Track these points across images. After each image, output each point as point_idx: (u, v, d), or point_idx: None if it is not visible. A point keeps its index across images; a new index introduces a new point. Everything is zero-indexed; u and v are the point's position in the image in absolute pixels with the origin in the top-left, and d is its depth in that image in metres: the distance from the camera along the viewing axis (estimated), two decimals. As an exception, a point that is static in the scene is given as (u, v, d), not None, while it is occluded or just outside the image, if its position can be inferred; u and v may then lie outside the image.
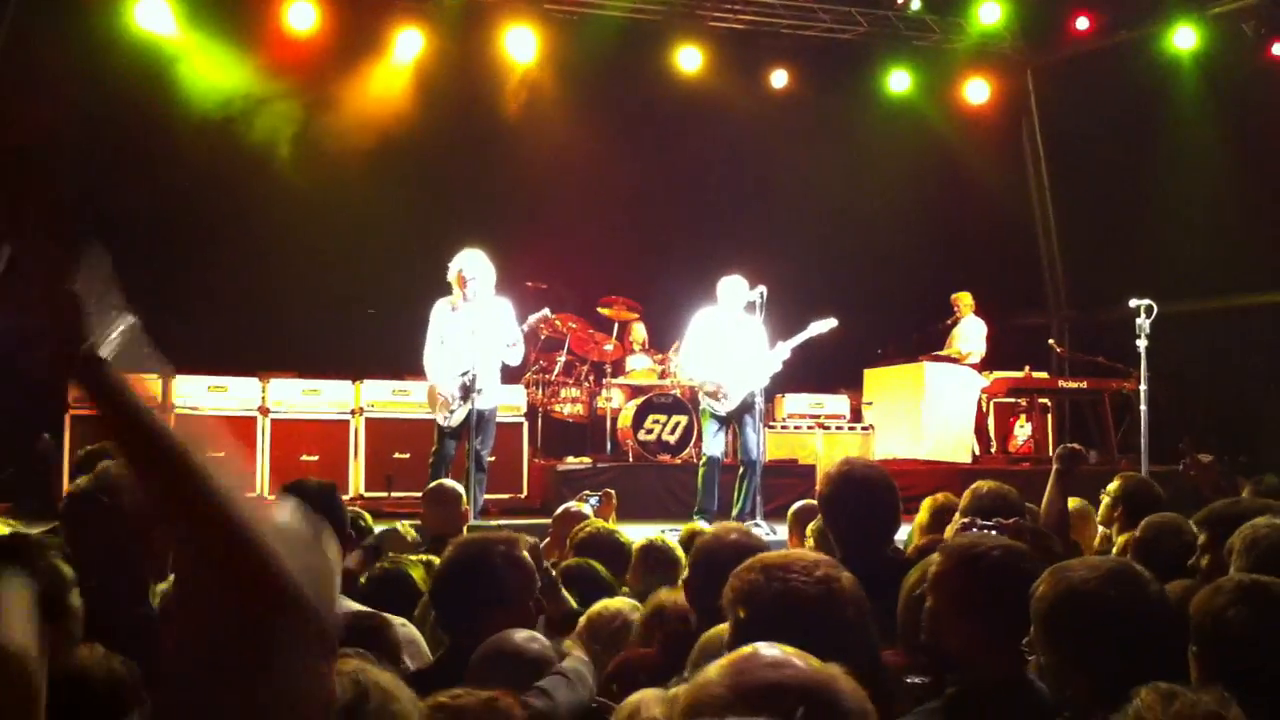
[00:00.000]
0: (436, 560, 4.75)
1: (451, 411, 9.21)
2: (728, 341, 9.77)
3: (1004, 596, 2.90)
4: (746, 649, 1.57)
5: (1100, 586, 2.71)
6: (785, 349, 9.78)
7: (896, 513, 4.32)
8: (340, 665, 2.25)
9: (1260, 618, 2.67)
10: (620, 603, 4.05)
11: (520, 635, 3.02)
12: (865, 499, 4.20)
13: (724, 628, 2.75)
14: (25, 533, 3.26)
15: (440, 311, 9.33)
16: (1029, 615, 2.80)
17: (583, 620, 3.92)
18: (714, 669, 1.54)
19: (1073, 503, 5.41)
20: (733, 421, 9.90)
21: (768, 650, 1.54)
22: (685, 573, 3.78)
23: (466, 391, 9.15)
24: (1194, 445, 5.29)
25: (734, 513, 9.65)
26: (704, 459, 9.93)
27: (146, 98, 12.45)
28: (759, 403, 9.85)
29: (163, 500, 1.70)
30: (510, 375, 12.02)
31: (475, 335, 9.09)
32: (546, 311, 9.43)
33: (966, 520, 4.20)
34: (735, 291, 9.78)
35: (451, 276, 9.23)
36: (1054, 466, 5.10)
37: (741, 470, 9.86)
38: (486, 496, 9.77)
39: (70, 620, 2.81)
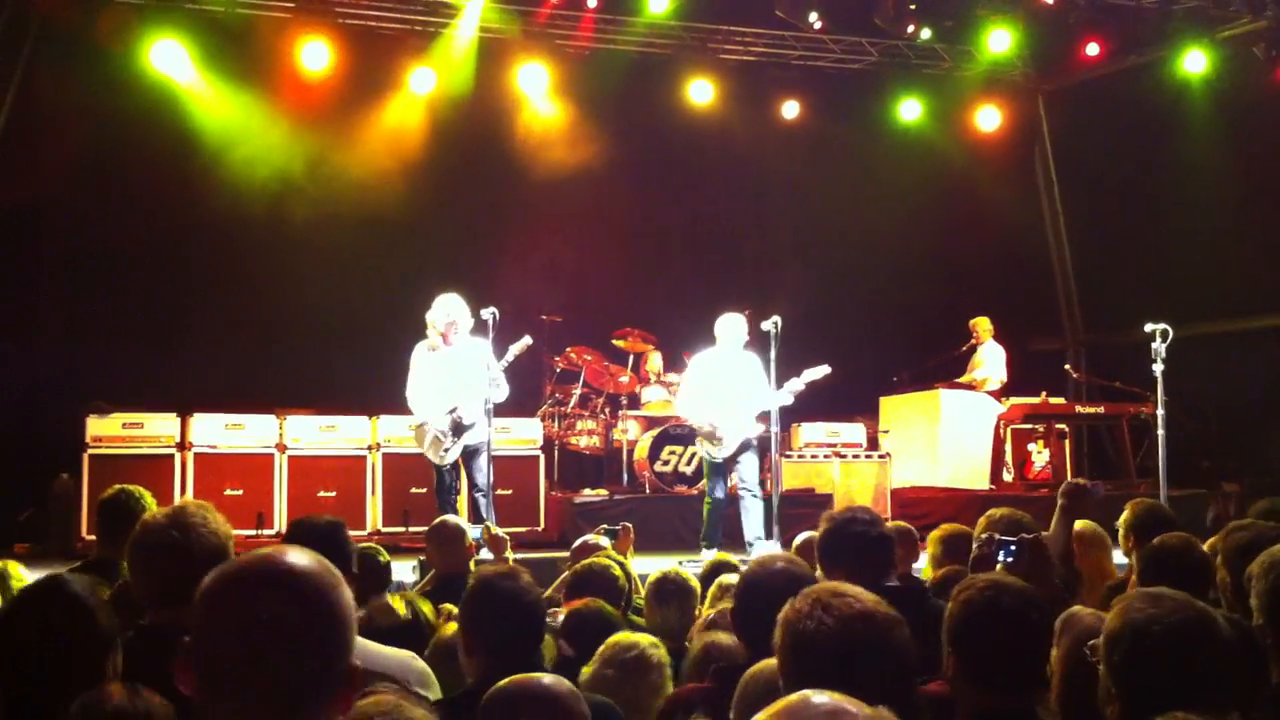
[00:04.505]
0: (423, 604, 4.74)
1: (446, 450, 9.37)
2: (722, 383, 9.83)
3: (978, 632, 2.95)
4: (795, 697, 1.55)
5: (1151, 623, 2.74)
6: (786, 394, 9.73)
7: (889, 547, 4.34)
8: (377, 702, 2.27)
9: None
10: (640, 637, 4.05)
11: (548, 678, 3.01)
12: (857, 538, 4.22)
13: (771, 662, 2.76)
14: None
15: (421, 354, 9.53)
16: (1012, 649, 2.92)
17: (602, 648, 3.93)
18: (767, 716, 1.53)
19: (1083, 525, 5.48)
20: (731, 461, 9.91)
21: (819, 698, 1.53)
22: (731, 604, 3.78)
23: (458, 428, 9.35)
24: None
25: (747, 539, 9.65)
26: (707, 500, 10.02)
27: (162, 138, 12.55)
28: (755, 441, 9.91)
29: None
30: (527, 409, 12.09)
31: (457, 376, 9.32)
32: (527, 340, 9.46)
33: (986, 536, 4.23)
34: (732, 330, 9.87)
35: (441, 325, 9.36)
36: (1059, 501, 5.17)
37: (741, 499, 9.84)
38: (504, 530, 9.79)
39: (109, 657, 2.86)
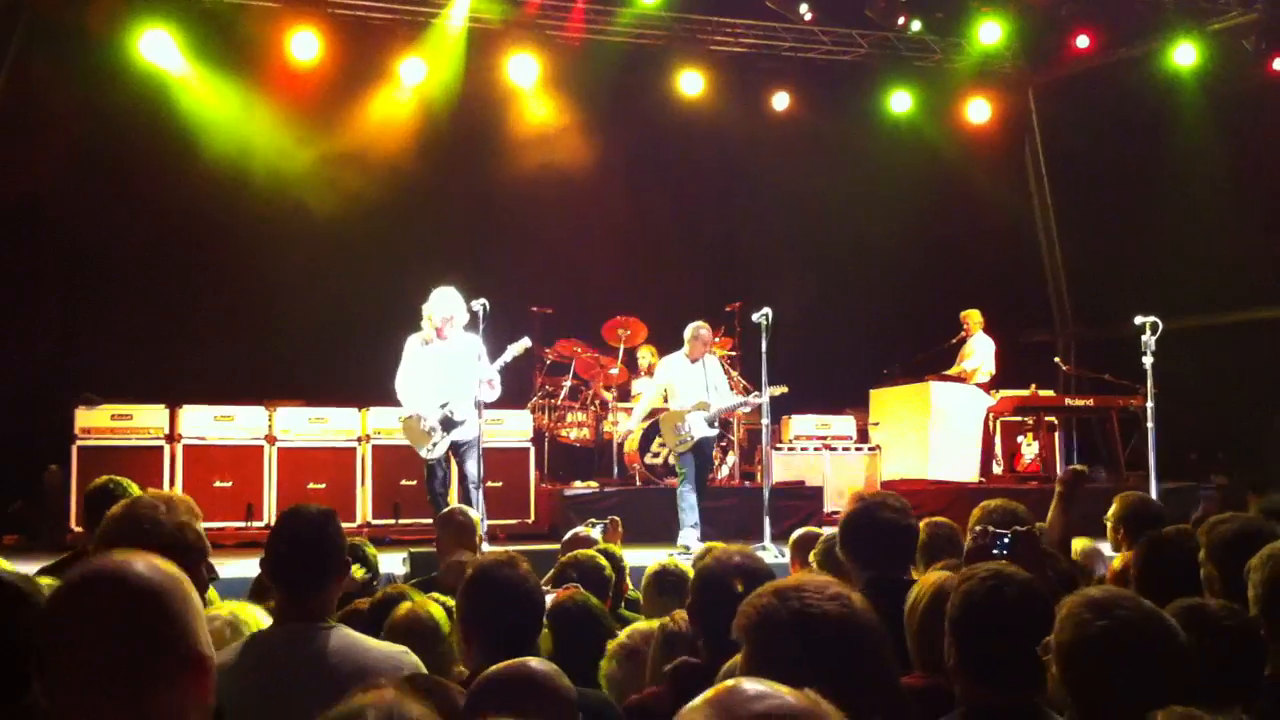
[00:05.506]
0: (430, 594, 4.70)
1: (434, 444, 9.36)
2: (686, 385, 10.42)
3: (982, 624, 2.93)
4: (728, 683, 1.54)
5: (1100, 631, 2.75)
6: (744, 404, 10.85)
7: (916, 534, 4.34)
8: (377, 697, 2.25)
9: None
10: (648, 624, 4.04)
11: (535, 661, 3.00)
12: (885, 525, 4.20)
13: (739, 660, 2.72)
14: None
15: (414, 346, 9.47)
16: (1016, 642, 2.88)
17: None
18: (695, 708, 1.51)
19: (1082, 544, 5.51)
20: (694, 456, 10.36)
21: (749, 684, 1.52)
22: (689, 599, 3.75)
23: (448, 424, 9.34)
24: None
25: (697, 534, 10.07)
26: (680, 484, 10.36)
27: (152, 129, 12.50)
28: (709, 445, 10.60)
29: None
30: (517, 401, 12.08)
31: (450, 371, 9.30)
32: (526, 342, 9.48)
33: (980, 529, 4.22)
34: (695, 337, 10.46)
35: (438, 319, 9.31)
36: (1057, 489, 5.16)
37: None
38: (493, 522, 9.85)
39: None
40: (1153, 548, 4.32)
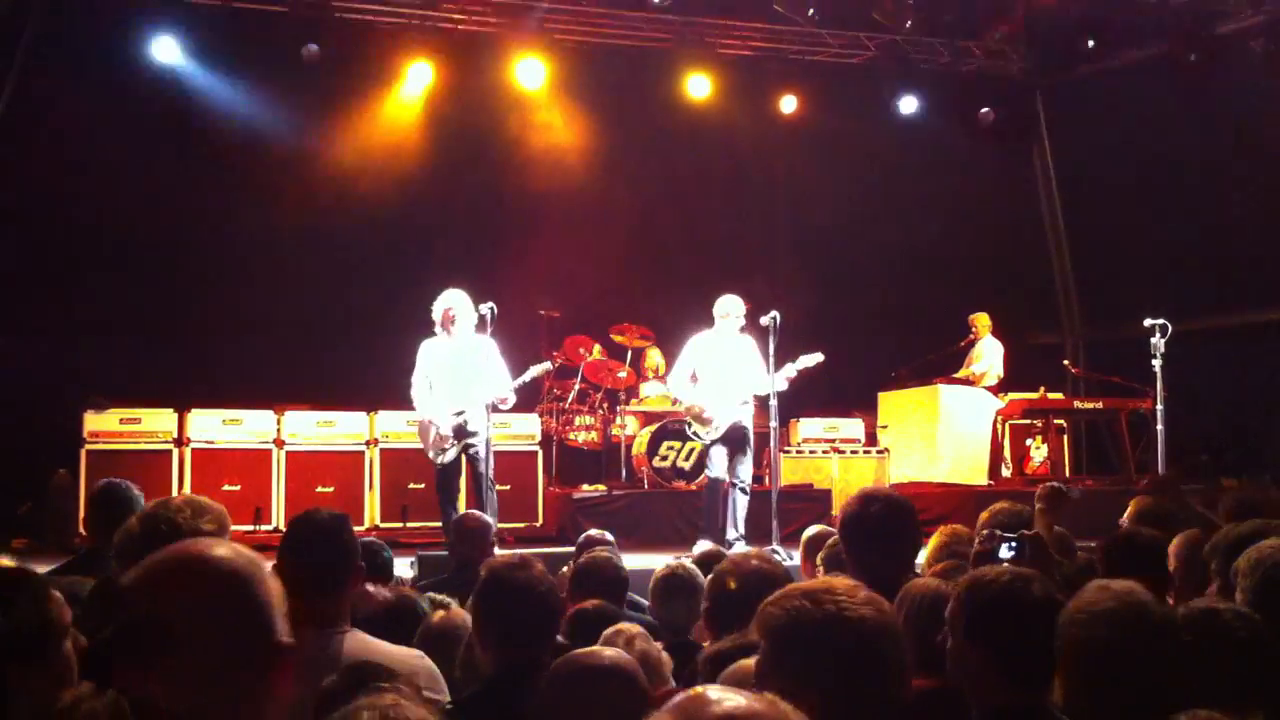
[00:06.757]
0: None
1: (445, 449, 9.36)
2: (715, 365, 9.84)
3: (1007, 624, 2.93)
4: (692, 690, 1.58)
5: (1106, 631, 2.78)
6: (780, 380, 9.70)
7: (917, 537, 4.30)
8: (376, 699, 2.26)
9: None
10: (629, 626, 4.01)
11: (610, 651, 3.01)
12: (886, 523, 4.16)
13: (746, 663, 2.72)
14: (17, 567, 3.15)
15: (428, 350, 9.50)
16: (1039, 641, 2.90)
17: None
18: (660, 716, 1.56)
19: None
20: (725, 445, 9.81)
21: (712, 690, 1.57)
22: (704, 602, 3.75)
23: (461, 431, 9.36)
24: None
25: (728, 536, 9.54)
26: (708, 482, 9.97)
27: (161, 131, 12.52)
28: (748, 428, 9.86)
29: None
30: (525, 404, 12.08)
31: (462, 375, 9.31)
32: (547, 365, 9.58)
33: (987, 532, 4.23)
34: (727, 311, 9.84)
35: (437, 315, 9.38)
36: (1037, 505, 5.25)
37: (730, 493, 9.77)
38: (502, 525, 9.85)
39: (57, 663, 2.75)
40: (1112, 546, 4.38)
